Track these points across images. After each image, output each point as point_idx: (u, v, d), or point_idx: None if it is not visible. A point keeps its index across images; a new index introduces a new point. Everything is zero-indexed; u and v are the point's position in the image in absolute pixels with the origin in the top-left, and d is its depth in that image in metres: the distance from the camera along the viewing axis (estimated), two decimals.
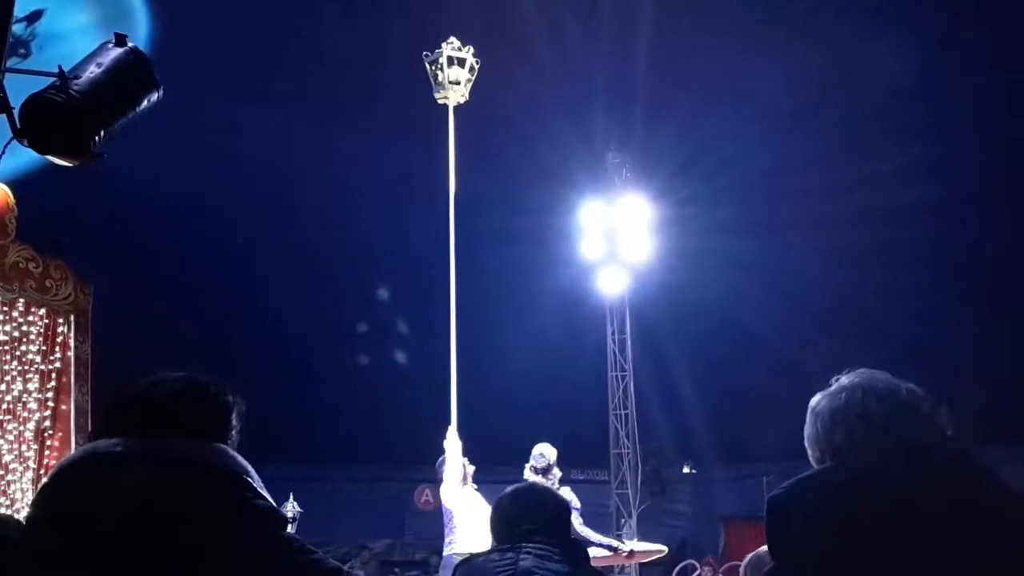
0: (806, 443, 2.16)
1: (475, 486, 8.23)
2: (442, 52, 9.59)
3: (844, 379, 2.14)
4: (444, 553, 7.96)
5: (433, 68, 9.61)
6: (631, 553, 9.02)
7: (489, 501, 3.12)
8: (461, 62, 9.58)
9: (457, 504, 7.94)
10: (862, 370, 2.14)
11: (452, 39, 9.64)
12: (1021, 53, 13.95)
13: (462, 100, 9.64)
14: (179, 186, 14.30)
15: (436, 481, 8.22)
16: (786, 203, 15.72)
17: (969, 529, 1.86)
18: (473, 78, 9.63)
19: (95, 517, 1.80)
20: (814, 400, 2.16)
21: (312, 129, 14.50)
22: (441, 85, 9.55)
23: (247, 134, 14.15)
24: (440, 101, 9.66)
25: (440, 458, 8.26)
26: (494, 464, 14.60)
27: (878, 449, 1.98)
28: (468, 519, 7.83)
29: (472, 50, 9.66)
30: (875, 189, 15.12)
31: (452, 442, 8.22)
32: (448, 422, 8.53)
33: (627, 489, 14.81)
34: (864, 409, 2.05)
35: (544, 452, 8.56)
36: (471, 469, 8.24)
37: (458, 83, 9.52)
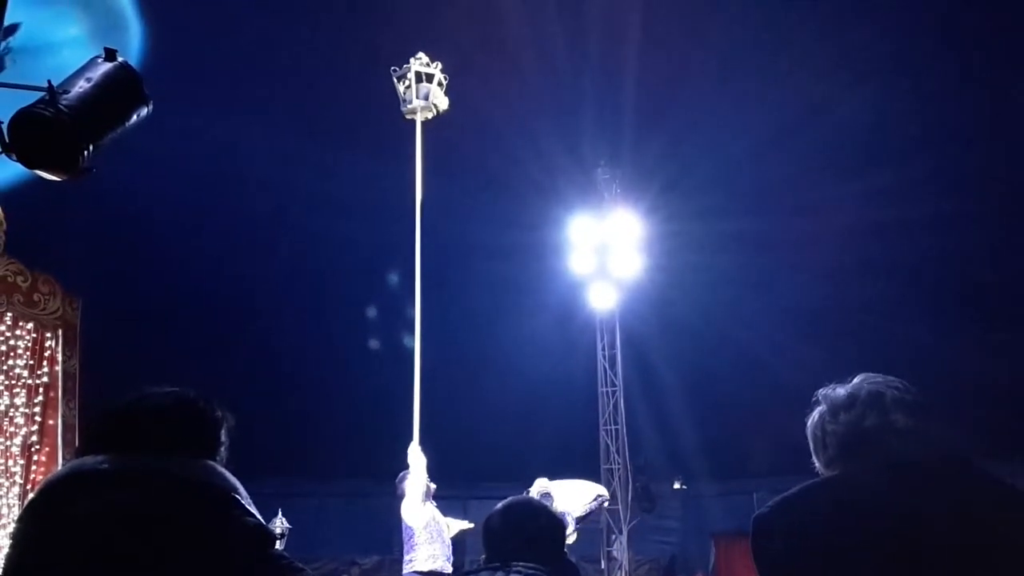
0: (809, 437, 2.19)
1: (435, 503, 8.21)
2: (410, 68, 9.58)
3: (843, 386, 2.15)
4: (404, 571, 7.92)
5: (401, 84, 9.59)
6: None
7: (480, 518, 3.11)
8: (429, 77, 9.57)
9: (418, 521, 7.91)
10: (859, 376, 2.14)
11: (420, 55, 9.63)
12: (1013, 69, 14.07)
13: (430, 116, 9.60)
14: (166, 200, 14.26)
15: (398, 497, 8.17)
16: (777, 219, 15.77)
17: (961, 544, 1.84)
18: (443, 93, 9.61)
19: (82, 534, 1.79)
20: (813, 408, 2.18)
21: (302, 144, 14.50)
22: (408, 101, 9.54)
23: (236, 149, 14.14)
24: (408, 116, 9.64)
25: (401, 474, 8.23)
26: (483, 480, 14.63)
27: (863, 463, 1.98)
28: (428, 536, 7.85)
29: (440, 66, 9.66)
30: (866, 206, 15.19)
31: (415, 458, 8.18)
32: (413, 437, 8.48)
33: (617, 505, 14.76)
34: (824, 430, 2.07)
35: (546, 489, 8.64)
36: (432, 487, 8.20)
37: (425, 99, 9.51)
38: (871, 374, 2.14)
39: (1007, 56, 14.51)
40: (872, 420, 2.01)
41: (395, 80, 9.64)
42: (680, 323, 15.84)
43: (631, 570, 15.18)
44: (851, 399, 2.07)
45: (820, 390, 2.17)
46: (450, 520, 8.35)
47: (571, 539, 8.57)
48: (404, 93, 9.58)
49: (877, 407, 2.03)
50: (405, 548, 7.98)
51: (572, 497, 9.60)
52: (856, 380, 2.13)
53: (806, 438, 2.19)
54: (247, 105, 14.48)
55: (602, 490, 11.33)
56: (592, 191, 15.86)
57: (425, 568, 7.76)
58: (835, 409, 2.08)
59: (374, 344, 16.75)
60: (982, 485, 1.94)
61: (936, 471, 1.95)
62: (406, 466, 8.27)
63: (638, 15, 14.37)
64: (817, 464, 2.13)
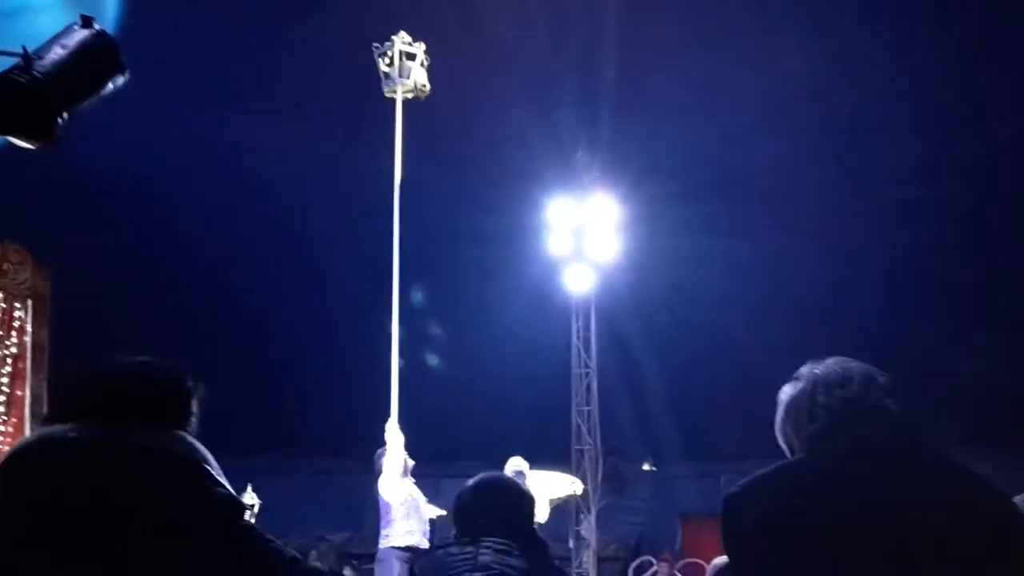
0: (776, 432, 2.18)
1: (413, 480, 8.24)
2: (393, 45, 9.50)
3: (807, 368, 2.14)
4: (380, 546, 7.96)
5: (383, 61, 9.51)
6: None
7: (452, 496, 3.13)
8: (411, 56, 9.50)
9: (395, 497, 7.94)
10: (831, 359, 2.13)
11: (402, 33, 9.54)
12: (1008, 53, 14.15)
13: (410, 96, 9.53)
14: (140, 172, 14.15)
15: (375, 473, 8.18)
16: (753, 204, 15.86)
17: (921, 528, 1.86)
18: (424, 73, 9.54)
19: (50, 502, 1.77)
20: (782, 389, 2.17)
21: (278, 119, 14.40)
22: (390, 78, 9.46)
23: (208, 122, 14.01)
24: (388, 95, 9.56)
25: (379, 450, 8.24)
26: (456, 459, 14.66)
27: (829, 446, 1.98)
28: (405, 512, 7.89)
29: (424, 47, 9.57)
30: (842, 191, 15.31)
31: (393, 435, 8.22)
32: (390, 415, 8.54)
33: (587, 485, 14.87)
34: (812, 404, 2.04)
35: (519, 467, 8.65)
36: (411, 463, 8.23)
37: (407, 78, 9.43)
38: (845, 357, 2.13)
39: (994, 44, 14.62)
40: (872, 399, 2.02)
41: (376, 57, 9.56)
42: (655, 306, 15.93)
43: (599, 549, 15.31)
44: (846, 376, 2.06)
45: (803, 367, 2.15)
46: (428, 504, 8.36)
47: (541, 518, 8.63)
48: (387, 70, 9.51)
49: (873, 388, 2.04)
50: (382, 523, 7.99)
51: (544, 487, 9.66)
52: (831, 361, 2.12)
53: (776, 415, 2.17)
54: (223, 81, 14.37)
55: (577, 485, 11.39)
56: (571, 174, 15.85)
57: (402, 543, 7.79)
58: (828, 384, 2.05)
59: (351, 322, 16.72)
60: (962, 480, 1.95)
61: (918, 462, 1.96)
62: (380, 444, 8.30)
63: (618, 0, 14.36)
64: (788, 439, 2.11)
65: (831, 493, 1.91)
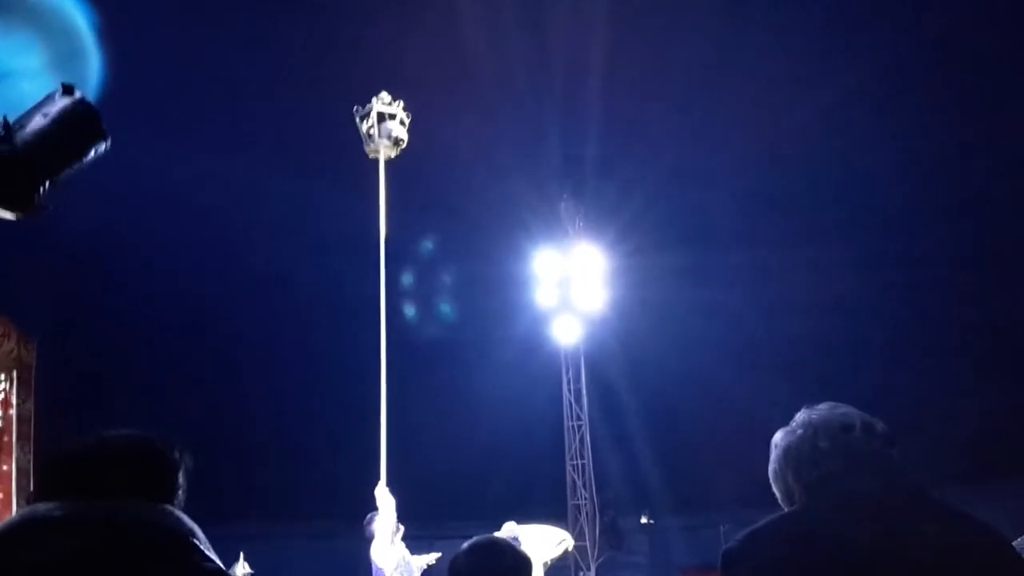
0: (770, 479, 2.15)
1: (404, 544, 8.21)
2: (372, 107, 9.64)
3: (803, 414, 2.12)
4: None
5: (364, 123, 9.64)
6: None
7: (447, 556, 3.06)
8: (392, 116, 9.64)
9: (389, 562, 7.92)
10: (824, 405, 2.12)
11: (383, 94, 9.70)
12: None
13: (393, 155, 9.67)
14: (122, 239, 14.12)
15: (366, 538, 8.15)
16: (742, 253, 15.95)
17: None
18: (405, 131, 9.67)
19: None
20: (776, 435, 2.15)
21: (265, 179, 14.45)
22: (371, 140, 9.59)
23: (195, 184, 14.06)
24: (371, 156, 9.69)
25: (369, 515, 8.22)
26: (448, 520, 14.46)
27: (828, 497, 1.97)
28: None
29: (402, 104, 9.73)
30: (828, 240, 15.40)
31: (384, 499, 8.17)
32: (381, 477, 8.46)
33: (585, 541, 14.66)
34: (814, 451, 2.02)
35: (514, 533, 8.66)
36: (401, 528, 8.21)
37: (388, 138, 9.56)
38: (836, 403, 2.12)
39: (980, 88, 14.88)
40: (874, 447, 2.01)
41: (357, 120, 9.68)
42: (644, 356, 15.91)
43: None
44: (847, 423, 2.04)
45: (798, 414, 2.13)
46: (417, 556, 8.33)
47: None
48: (367, 132, 9.62)
49: (874, 436, 2.02)
50: None
51: (539, 543, 9.60)
52: (824, 407, 2.10)
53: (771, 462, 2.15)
54: (209, 140, 14.42)
55: (567, 536, 11.30)
56: (556, 224, 15.95)
57: None
58: (831, 430, 2.04)
59: (339, 384, 16.62)
60: (965, 528, 1.94)
61: (921, 511, 1.95)
62: (373, 507, 8.24)
63: (600, 52, 14.58)
64: (786, 486, 2.08)
65: (833, 545, 1.90)
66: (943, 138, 14.98)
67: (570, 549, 12.25)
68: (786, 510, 2.07)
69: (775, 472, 2.12)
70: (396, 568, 7.89)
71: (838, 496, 1.95)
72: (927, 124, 14.85)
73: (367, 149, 9.70)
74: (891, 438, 2.03)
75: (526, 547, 8.75)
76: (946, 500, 1.99)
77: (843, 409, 2.09)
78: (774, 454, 2.13)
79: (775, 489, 2.13)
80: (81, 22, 12.83)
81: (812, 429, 2.06)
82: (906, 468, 2.00)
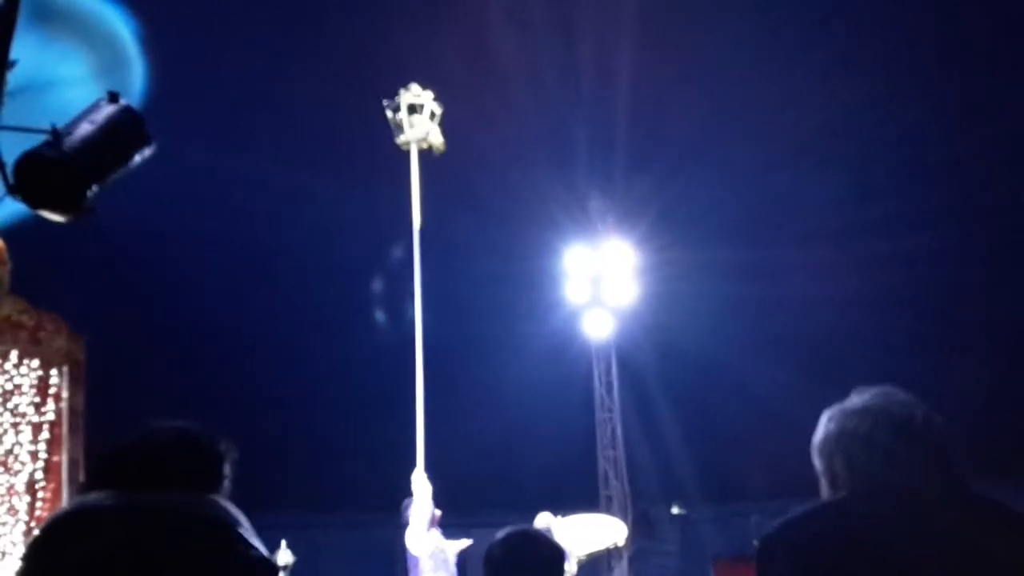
0: (813, 450, 2.08)
1: (440, 531, 8.22)
2: (401, 98, 9.73)
3: (860, 398, 2.04)
4: None
5: (394, 114, 9.73)
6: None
7: (480, 546, 3.13)
8: (421, 108, 9.71)
9: (423, 550, 7.91)
10: (881, 390, 2.04)
11: (412, 85, 9.76)
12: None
13: (424, 145, 9.69)
14: (169, 236, 14.45)
15: (402, 525, 8.17)
16: (771, 249, 15.91)
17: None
18: (436, 122, 9.74)
19: (84, 572, 1.82)
20: (828, 411, 2.07)
21: (302, 175, 14.70)
22: (402, 130, 9.68)
23: (238, 183, 14.33)
24: (402, 147, 9.74)
25: (405, 501, 8.24)
26: (481, 508, 14.63)
27: (874, 489, 1.92)
28: (433, 565, 7.87)
29: (432, 95, 9.78)
30: (863, 234, 15.30)
31: (420, 486, 8.19)
32: (416, 465, 8.52)
33: None
34: (873, 440, 1.95)
35: (548, 524, 8.60)
36: (438, 514, 8.21)
37: (419, 128, 9.63)
38: (892, 389, 2.04)
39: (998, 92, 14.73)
40: (934, 441, 1.94)
41: (387, 112, 9.78)
42: (675, 350, 15.93)
43: None
44: (909, 415, 1.96)
45: (853, 397, 2.05)
46: (451, 541, 8.36)
47: (571, 571, 8.56)
48: (397, 123, 9.71)
49: (933, 429, 1.96)
50: None
51: (578, 535, 9.52)
52: (879, 392, 2.03)
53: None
54: (250, 140, 14.71)
55: (620, 528, 11.04)
56: (586, 221, 16.03)
57: None
58: (893, 423, 1.95)
59: (376, 373, 16.85)
60: (1001, 523, 1.90)
61: (969, 507, 1.92)
62: (410, 494, 8.28)
63: (631, 47, 14.63)
64: (832, 471, 2.01)
65: (875, 537, 1.86)
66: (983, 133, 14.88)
67: (620, 544, 12.06)
68: (825, 499, 2.02)
69: (822, 450, 2.04)
70: (431, 556, 7.89)
71: (886, 490, 1.90)
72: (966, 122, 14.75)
73: (398, 141, 9.79)
74: (949, 433, 1.97)
75: (571, 535, 8.86)
76: (997, 500, 1.95)
77: (901, 397, 2.01)
78: (824, 431, 2.05)
79: (817, 463, 2.06)
80: (125, 31, 13.21)
81: (874, 418, 1.98)
82: (960, 466, 1.96)
